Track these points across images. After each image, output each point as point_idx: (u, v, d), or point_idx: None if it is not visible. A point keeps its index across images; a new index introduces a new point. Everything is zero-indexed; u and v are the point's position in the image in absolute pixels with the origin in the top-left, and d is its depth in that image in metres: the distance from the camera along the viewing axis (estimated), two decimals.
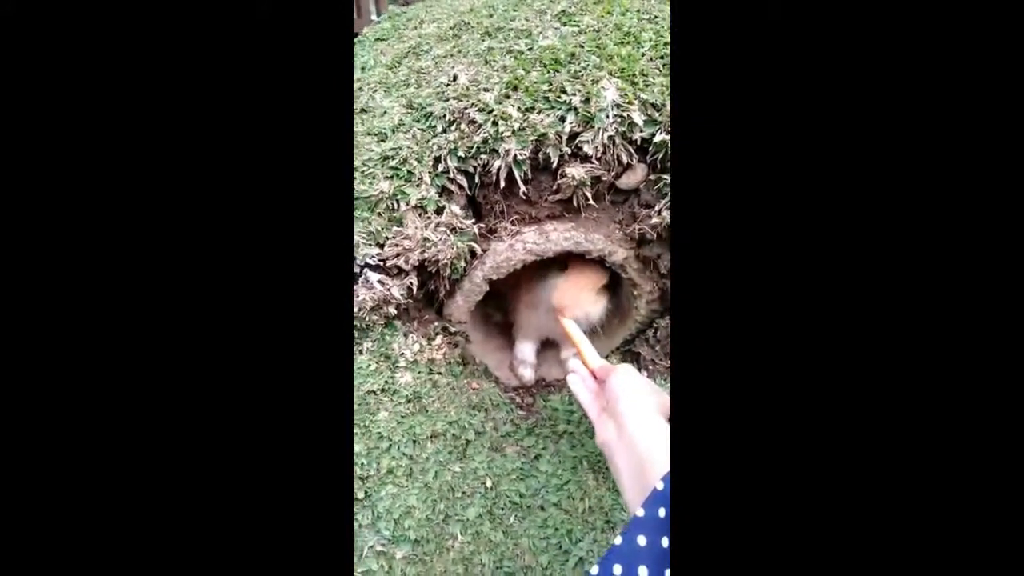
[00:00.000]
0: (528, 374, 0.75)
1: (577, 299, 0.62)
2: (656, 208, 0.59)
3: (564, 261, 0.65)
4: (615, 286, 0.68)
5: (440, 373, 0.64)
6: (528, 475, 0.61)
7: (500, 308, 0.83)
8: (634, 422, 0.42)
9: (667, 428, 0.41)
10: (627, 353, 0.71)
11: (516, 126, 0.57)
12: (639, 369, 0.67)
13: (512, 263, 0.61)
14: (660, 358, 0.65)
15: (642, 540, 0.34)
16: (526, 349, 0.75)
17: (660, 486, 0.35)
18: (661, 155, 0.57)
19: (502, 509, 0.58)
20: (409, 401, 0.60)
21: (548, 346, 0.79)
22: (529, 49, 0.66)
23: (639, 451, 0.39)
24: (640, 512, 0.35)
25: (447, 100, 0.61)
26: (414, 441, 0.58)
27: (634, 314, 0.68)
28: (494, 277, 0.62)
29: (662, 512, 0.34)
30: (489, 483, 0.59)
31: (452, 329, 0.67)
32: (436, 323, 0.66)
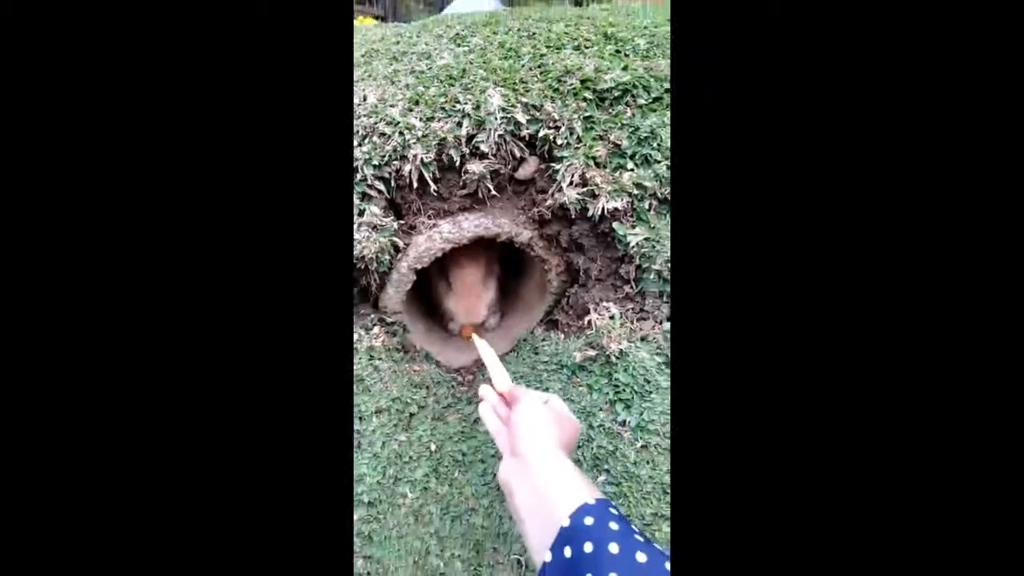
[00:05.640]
0: (455, 326, 0.86)
1: (470, 302, 0.76)
2: (550, 191, 0.70)
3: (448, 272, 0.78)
4: (515, 263, 0.82)
5: (380, 359, 0.71)
6: (469, 436, 0.68)
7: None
8: (535, 462, 0.40)
9: (569, 463, 0.40)
10: (549, 323, 0.81)
11: (420, 134, 0.67)
12: (558, 332, 0.76)
13: (432, 251, 0.70)
14: (573, 320, 0.75)
15: None
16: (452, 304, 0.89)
17: (566, 523, 0.34)
18: (547, 148, 0.68)
19: (447, 467, 0.65)
20: None
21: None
22: (428, 68, 0.76)
23: (541, 492, 0.38)
24: (548, 556, 0.33)
25: (359, 118, 0.70)
26: (360, 418, 0.65)
27: (548, 287, 0.78)
28: (418, 266, 0.70)
29: (568, 552, 0.32)
30: (433, 447, 0.66)
31: (388, 319, 0.74)
32: (372, 315, 0.74)
